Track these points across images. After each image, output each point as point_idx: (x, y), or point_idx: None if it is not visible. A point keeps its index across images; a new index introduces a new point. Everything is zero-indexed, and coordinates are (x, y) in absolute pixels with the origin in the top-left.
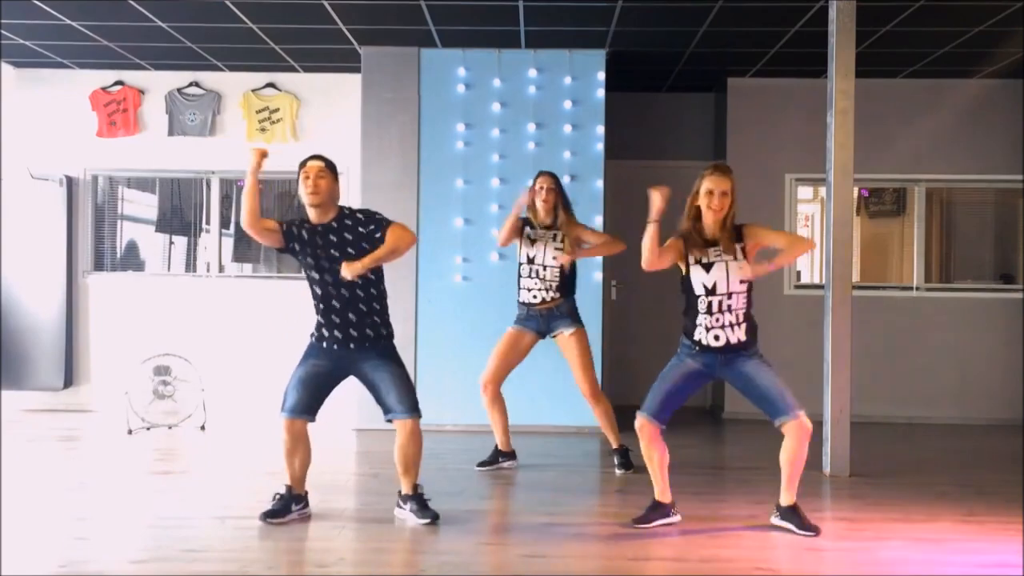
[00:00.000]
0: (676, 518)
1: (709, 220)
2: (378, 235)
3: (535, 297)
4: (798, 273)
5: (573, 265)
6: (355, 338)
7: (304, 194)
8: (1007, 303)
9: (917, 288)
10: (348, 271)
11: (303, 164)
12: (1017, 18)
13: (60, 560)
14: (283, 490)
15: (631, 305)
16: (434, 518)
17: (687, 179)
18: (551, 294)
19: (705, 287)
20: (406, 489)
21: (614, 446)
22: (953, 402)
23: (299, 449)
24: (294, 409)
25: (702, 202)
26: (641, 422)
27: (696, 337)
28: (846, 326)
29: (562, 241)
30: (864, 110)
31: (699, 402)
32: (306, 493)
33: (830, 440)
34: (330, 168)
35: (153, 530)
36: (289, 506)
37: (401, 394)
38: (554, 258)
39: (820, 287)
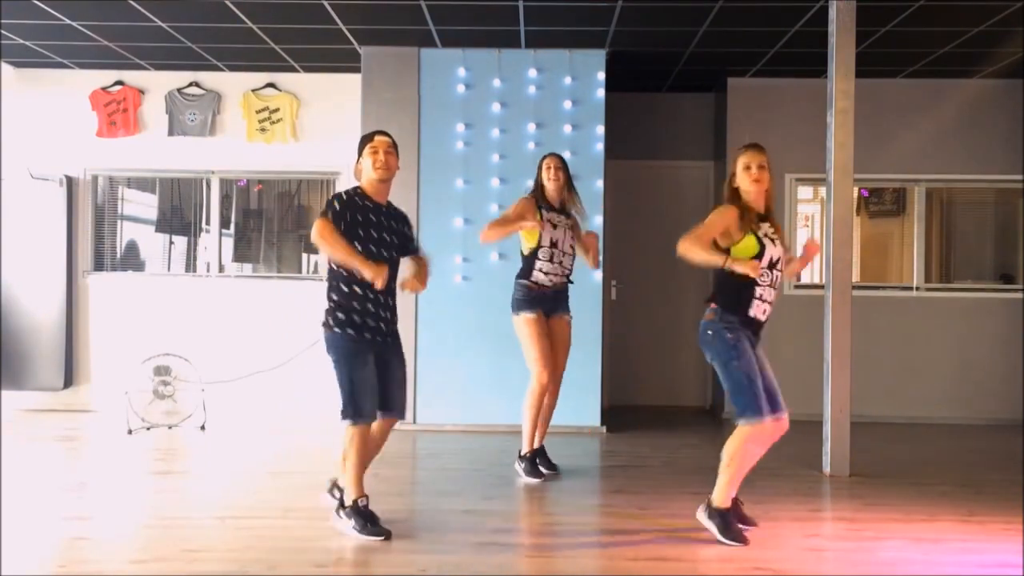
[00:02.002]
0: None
1: (753, 195)
2: (410, 244)
3: (550, 281)
4: (798, 273)
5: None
6: (391, 331)
7: (371, 168)
8: (1007, 303)
9: (917, 288)
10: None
11: (369, 138)
12: (1017, 18)
13: (60, 560)
14: (364, 502)
15: (631, 305)
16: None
17: (687, 179)
18: (565, 279)
19: (772, 260)
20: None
21: (537, 446)
22: (953, 402)
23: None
24: (372, 415)
25: (742, 178)
26: (773, 423)
27: (751, 313)
28: (846, 326)
29: (575, 228)
30: (864, 110)
31: (699, 402)
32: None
33: (830, 440)
34: (395, 146)
35: (153, 530)
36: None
37: (404, 395)
38: (571, 246)
39: (820, 287)
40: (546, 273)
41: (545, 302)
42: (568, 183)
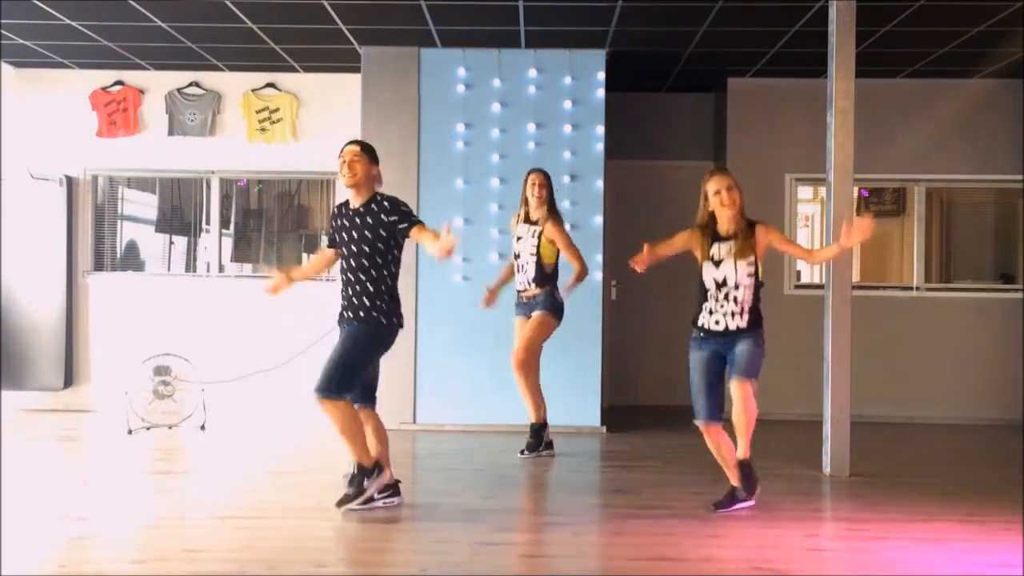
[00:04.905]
0: (750, 502)
1: (724, 217)
2: (402, 226)
3: (521, 287)
4: (798, 273)
5: (556, 262)
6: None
7: (342, 178)
8: (1007, 303)
9: (917, 288)
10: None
11: (341, 151)
12: (1017, 18)
13: (60, 560)
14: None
15: (631, 305)
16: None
17: (687, 179)
18: (531, 285)
19: (716, 281)
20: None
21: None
22: (953, 402)
23: None
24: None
25: (713, 203)
26: (701, 428)
27: (700, 322)
28: (846, 326)
29: (538, 237)
30: (864, 110)
31: None
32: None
33: (830, 440)
34: (366, 151)
35: (153, 530)
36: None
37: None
38: (531, 254)
39: (820, 287)
40: (519, 281)
41: (524, 307)
42: (549, 199)
